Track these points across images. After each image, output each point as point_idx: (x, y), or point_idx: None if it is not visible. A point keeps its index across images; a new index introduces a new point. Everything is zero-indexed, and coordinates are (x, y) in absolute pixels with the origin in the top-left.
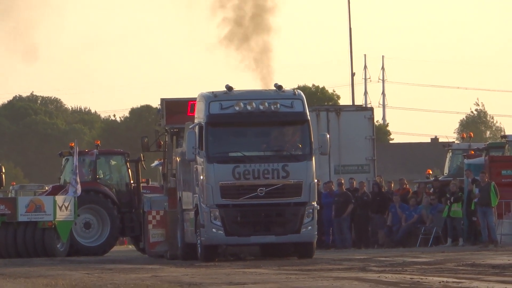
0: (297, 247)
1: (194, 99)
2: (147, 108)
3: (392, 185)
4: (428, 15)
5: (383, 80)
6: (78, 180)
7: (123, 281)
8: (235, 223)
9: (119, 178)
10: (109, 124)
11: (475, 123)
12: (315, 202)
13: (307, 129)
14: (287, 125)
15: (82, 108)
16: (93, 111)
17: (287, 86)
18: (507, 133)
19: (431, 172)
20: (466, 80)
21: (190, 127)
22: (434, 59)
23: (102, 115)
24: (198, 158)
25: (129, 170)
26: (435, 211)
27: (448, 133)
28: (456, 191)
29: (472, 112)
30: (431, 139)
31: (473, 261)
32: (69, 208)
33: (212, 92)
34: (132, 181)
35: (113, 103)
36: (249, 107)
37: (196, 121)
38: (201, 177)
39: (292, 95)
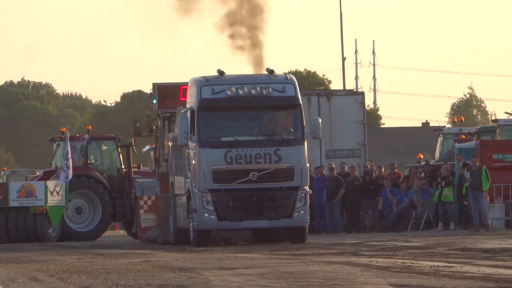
0: (290, 231)
1: (186, 84)
2: (138, 93)
3: (383, 169)
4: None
5: (374, 65)
6: (70, 165)
7: (115, 266)
8: (227, 208)
9: (110, 163)
10: (100, 109)
11: (467, 107)
12: (307, 187)
13: (299, 113)
14: (279, 110)
15: (73, 93)
16: (84, 96)
17: (278, 70)
18: (498, 117)
19: (422, 157)
20: (457, 64)
21: (181, 111)
22: (425, 44)
23: (94, 100)
24: (190, 143)
25: (120, 155)
26: (426, 195)
27: (440, 117)
28: (447, 175)
29: (465, 95)
30: (422, 123)
31: (464, 245)
32: (60, 193)
33: (204, 76)
34: (123, 166)
35: (104, 88)
36: (241, 92)
37: (187, 106)
38: (193, 162)
39: (284, 80)
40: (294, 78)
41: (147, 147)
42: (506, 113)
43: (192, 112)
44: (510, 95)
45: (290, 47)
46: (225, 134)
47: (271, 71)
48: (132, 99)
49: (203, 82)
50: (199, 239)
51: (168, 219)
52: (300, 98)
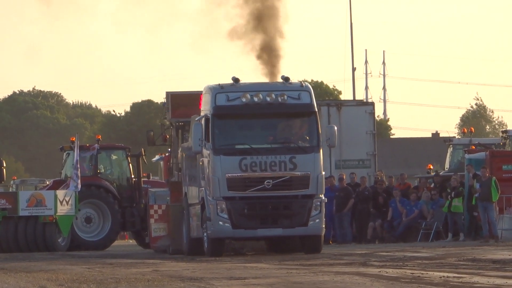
0: (304, 240)
1: (201, 92)
2: (148, 103)
3: (393, 180)
4: (429, 10)
5: (384, 75)
6: (79, 174)
7: (124, 275)
8: (242, 216)
9: (120, 173)
10: (110, 119)
11: (476, 118)
12: (322, 195)
13: (314, 120)
14: (294, 117)
15: (83, 102)
16: (94, 105)
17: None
18: (508, 128)
19: (432, 167)
20: (467, 75)
21: (196, 119)
22: (435, 54)
23: (103, 110)
24: (204, 150)
25: (130, 164)
26: (436, 206)
27: (449, 128)
28: (457, 186)
29: (472, 106)
30: (432, 134)
31: (473, 256)
32: (70, 202)
33: (219, 84)
34: (133, 176)
35: (114, 97)
36: (256, 99)
37: (202, 113)
38: (208, 170)
39: (299, 87)
40: (309, 85)
41: (157, 157)
42: None
43: (207, 120)
44: None
45: (300, 57)
46: (240, 142)
47: (286, 79)
48: (141, 108)
49: (218, 89)
50: (213, 248)
51: (180, 229)
52: (315, 105)
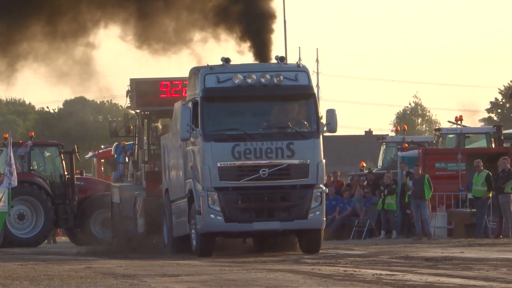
0: (303, 235)
1: (166, 80)
2: (81, 100)
3: (326, 177)
4: (363, 7)
5: (317, 73)
6: (14, 171)
7: (57, 272)
8: (235, 208)
9: (53, 170)
10: (44, 116)
11: (411, 116)
12: (323, 185)
13: (313, 104)
14: (291, 100)
15: (16, 99)
16: (27, 102)
17: None
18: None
19: (365, 165)
20: (401, 73)
21: (183, 103)
22: (369, 52)
23: (37, 107)
24: (192, 137)
25: (63, 161)
26: (369, 203)
27: (383, 126)
28: (390, 183)
29: (410, 104)
30: (365, 131)
31: (406, 254)
32: (2, 199)
33: (207, 64)
34: (66, 173)
35: (47, 94)
36: (249, 80)
37: (188, 98)
38: (197, 158)
39: (296, 67)
40: (306, 66)
41: (90, 154)
42: (449, 122)
43: (195, 103)
44: (454, 104)
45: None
46: (232, 127)
47: (281, 58)
48: (75, 105)
49: (207, 70)
50: (203, 245)
51: (162, 228)
52: (314, 87)
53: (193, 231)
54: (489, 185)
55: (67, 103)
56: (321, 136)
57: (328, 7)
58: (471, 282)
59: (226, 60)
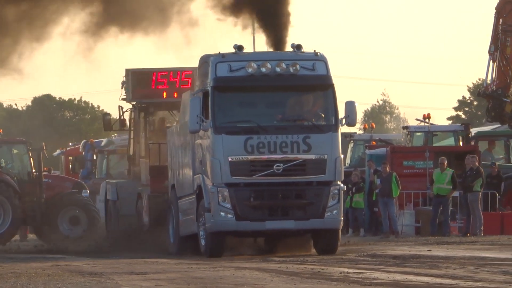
0: (318, 236)
1: (164, 70)
2: (48, 98)
3: None
4: (329, 5)
5: None
6: None
7: (24, 270)
8: (247, 206)
9: (21, 167)
10: (11, 113)
11: (379, 114)
12: (341, 182)
13: (331, 95)
14: (308, 90)
15: None
16: None
17: None
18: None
19: None
20: (369, 70)
21: (192, 94)
22: (337, 50)
23: (5, 104)
24: (202, 130)
25: (31, 159)
26: None
27: None
28: (357, 181)
29: (378, 102)
30: None
31: (374, 252)
32: None
33: (219, 52)
34: (34, 170)
35: (15, 91)
36: (263, 69)
37: (197, 88)
38: (207, 152)
39: (314, 56)
40: (324, 55)
41: (58, 151)
42: (417, 120)
43: (205, 94)
44: (422, 102)
45: None
46: (245, 118)
47: (298, 46)
48: (43, 102)
49: (219, 58)
50: (213, 245)
51: (168, 227)
52: (332, 78)
53: (201, 230)
54: (454, 184)
55: (35, 100)
56: (339, 130)
57: (295, 3)
58: (438, 280)
59: (239, 48)
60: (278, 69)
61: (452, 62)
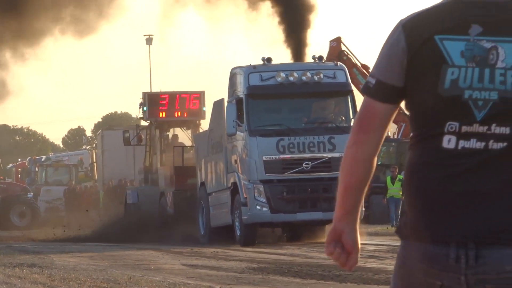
0: None
1: (173, 93)
2: (2, 127)
3: None
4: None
5: None
6: None
7: None
8: (280, 199)
9: None
10: None
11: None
12: None
13: (351, 100)
14: (331, 96)
15: None
16: None
17: None
18: None
19: None
20: None
21: (228, 101)
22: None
23: None
24: (238, 133)
25: None
26: None
27: None
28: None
29: None
30: None
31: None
32: None
33: (250, 64)
34: None
35: None
36: (291, 78)
37: (230, 97)
38: (243, 152)
39: (334, 66)
40: (343, 65)
41: (10, 165)
42: None
43: (238, 101)
44: None
45: None
46: (276, 122)
47: (320, 58)
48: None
49: (250, 69)
50: (247, 235)
51: (197, 220)
52: (351, 84)
53: (237, 221)
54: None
55: None
56: None
57: None
58: None
59: (268, 60)
60: (304, 78)
61: None
